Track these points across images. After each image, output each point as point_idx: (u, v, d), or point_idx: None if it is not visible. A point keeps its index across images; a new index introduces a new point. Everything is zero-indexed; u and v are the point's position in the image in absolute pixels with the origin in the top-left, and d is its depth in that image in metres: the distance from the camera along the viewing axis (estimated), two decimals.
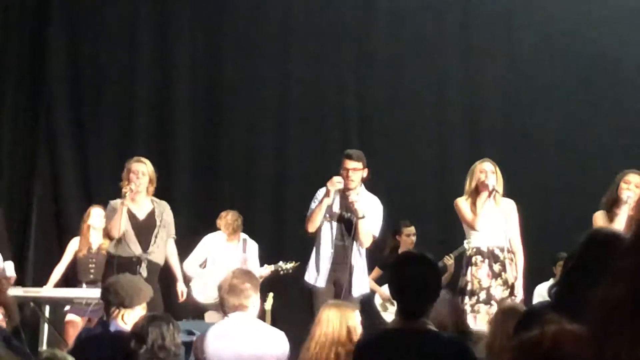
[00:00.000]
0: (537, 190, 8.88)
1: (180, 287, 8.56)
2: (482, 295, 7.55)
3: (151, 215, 7.96)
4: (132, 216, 7.89)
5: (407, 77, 10.98)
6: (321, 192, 7.87)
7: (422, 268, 4.26)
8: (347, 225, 7.79)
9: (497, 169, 7.81)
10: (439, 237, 10.02)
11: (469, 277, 7.69)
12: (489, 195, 7.67)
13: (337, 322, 5.55)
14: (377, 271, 9.80)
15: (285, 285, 9.26)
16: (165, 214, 8.02)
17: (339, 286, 7.77)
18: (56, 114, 11.34)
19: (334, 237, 7.80)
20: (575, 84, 10.54)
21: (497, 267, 7.66)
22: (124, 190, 7.78)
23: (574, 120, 10.40)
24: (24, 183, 11.20)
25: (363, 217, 7.71)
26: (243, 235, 9.58)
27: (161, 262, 8.00)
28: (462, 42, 11.02)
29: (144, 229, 7.88)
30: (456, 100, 10.94)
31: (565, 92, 10.55)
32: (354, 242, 7.77)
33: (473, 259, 7.72)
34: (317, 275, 7.83)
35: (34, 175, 11.24)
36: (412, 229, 9.87)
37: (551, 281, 9.14)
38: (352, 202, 7.71)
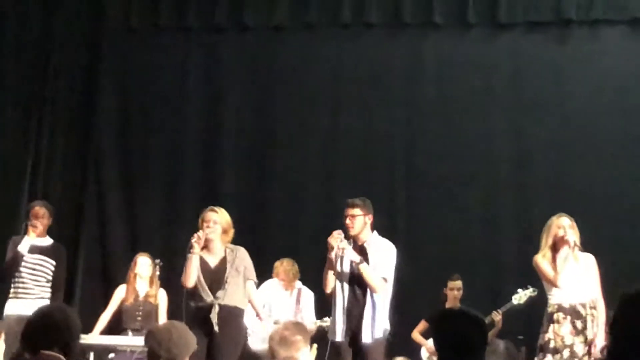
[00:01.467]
0: (585, 246, 8.74)
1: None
2: (566, 353, 7.44)
3: (222, 261, 8.00)
4: (204, 264, 7.94)
5: (456, 129, 10.95)
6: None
7: (465, 324, 4.21)
8: (357, 277, 7.78)
9: (574, 223, 7.73)
10: (486, 292, 9.92)
11: (551, 335, 7.58)
12: (572, 251, 7.58)
13: None
14: (423, 324, 9.75)
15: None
16: (238, 258, 8.03)
17: (354, 336, 7.74)
18: (105, 163, 11.44)
19: (346, 293, 7.80)
20: (626, 138, 10.45)
21: (579, 324, 7.55)
22: (192, 240, 7.82)
23: (625, 174, 10.30)
24: (71, 231, 11.27)
25: (361, 262, 7.68)
26: (298, 284, 9.58)
27: (240, 305, 7.99)
28: (512, 94, 10.97)
29: (215, 276, 7.91)
30: (505, 152, 10.89)
31: (616, 146, 10.45)
32: (367, 291, 7.74)
33: (555, 316, 7.60)
34: (334, 330, 7.84)
35: (82, 223, 11.33)
36: (458, 283, 9.79)
37: None
38: (341, 249, 7.70)
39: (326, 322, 9.07)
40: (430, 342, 9.62)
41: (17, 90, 11.44)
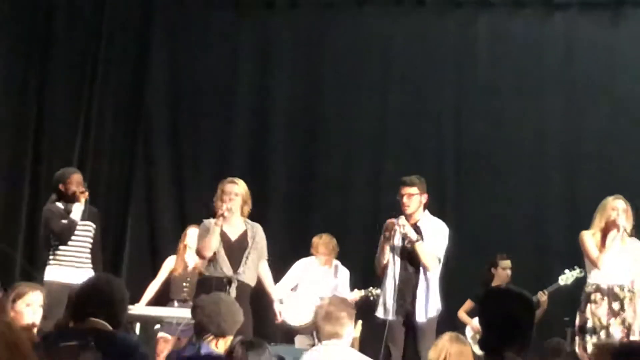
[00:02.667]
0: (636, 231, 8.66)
1: (277, 308, 8.53)
2: (602, 334, 7.42)
3: (243, 236, 7.94)
4: (224, 236, 7.87)
5: (506, 111, 10.90)
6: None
7: (512, 303, 4.19)
8: (409, 254, 7.76)
9: (629, 207, 7.67)
10: (533, 274, 9.87)
11: (588, 315, 7.56)
12: (620, 235, 7.53)
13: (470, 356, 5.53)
14: (469, 303, 9.73)
15: (374, 313, 9.21)
16: (257, 236, 7.99)
17: (408, 315, 7.76)
18: (154, 137, 11.52)
19: (397, 270, 7.78)
20: None
21: (616, 306, 7.52)
22: (219, 212, 7.78)
23: None
24: (120, 203, 11.37)
25: (418, 240, 7.68)
26: (335, 262, 9.58)
27: (252, 283, 7.98)
28: (564, 78, 10.88)
29: (236, 250, 7.85)
30: (556, 135, 10.82)
31: None
32: (420, 270, 7.73)
33: (592, 296, 7.58)
34: (384, 309, 7.83)
35: (130, 196, 11.42)
36: (508, 263, 9.75)
37: None
38: (401, 226, 7.67)
39: (370, 291, 9.07)
40: (475, 321, 9.60)
41: (68, 64, 11.52)
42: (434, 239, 7.79)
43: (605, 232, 7.64)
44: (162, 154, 11.47)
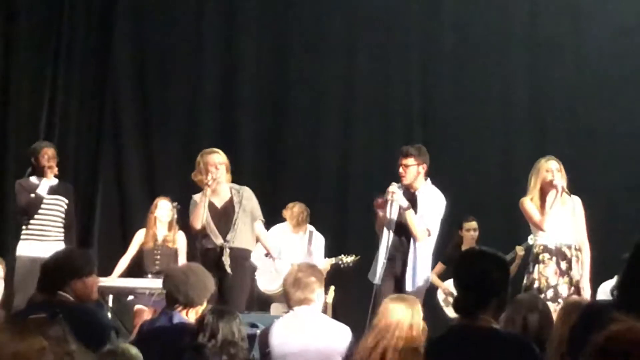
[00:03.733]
0: (603, 188, 8.76)
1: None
2: (549, 293, 7.45)
3: (229, 202, 7.98)
4: (212, 207, 7.93)
5: (472, 73, 10.93)
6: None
7: (486, 264, 4.21)
8: (402, 223, 7.80)
9: (562, 166, 7.71)
10: (503, 233, 9.94)
11: (535, 275, 7.60)
12: (559, 195, 7.57)
13: (401, 315, 5.55)
14: (439, 266, 9.78)
15: (347, 278, 9.27)
16: (244, 199, 8.01)
17: (397, 282, 7.80)
18: (121, 106, 11.45)
19: (391, 237, 7.82)
20: None
21: (564, 265, 7.56)
22: (205, 183, 7.81)
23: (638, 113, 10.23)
24: (88, 176, 11.32)
25: (408, 208, 7.71)
26: (310, 228, 9.61)
27: (249, 246, 8.02)
28: (529, 38, 10.92)
29: (223, 217, 7.91)
30: (521, 96, 10.86)
31: (632, 88, 10.38)
32: (410, 240, 7.78)
33: (540, 257, 7.62)
34: (375, 273, 7.88)
35: (98, 168, 11.36)
36: (473, 224, 9.80)
37: (614, 279, 9.03)
38: (391, 193, 7.71)
39: (340, 258, 9.12)
40: (445, 284, 9.66)
41: (31, 35, 11.41)
42: (427, 210, 7.82)
43: (543, 195, 7.68)
44: (129, 126, 11.41)
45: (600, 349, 2.40)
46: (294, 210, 9.59)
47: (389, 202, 7.78)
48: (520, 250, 9.16)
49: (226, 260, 7.73)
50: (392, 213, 7.81)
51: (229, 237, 7.85)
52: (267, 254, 9.26)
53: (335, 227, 10.42)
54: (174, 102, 11.45)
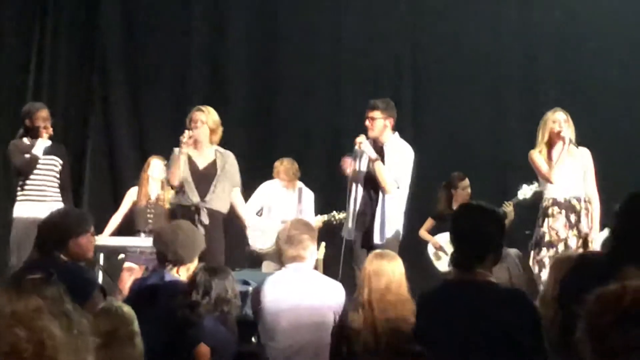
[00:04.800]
0: (594, 140, 8.72)
1: (249, 234, 8.63)
2: (560, 247, 7.49)
3: (212, 164, 7.94)
4: (193, 165, 7.91)
5: (461, 28, 10.87)
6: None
7: (482, 219, 4.24)
8: (371, 175, 7.83)
9: (569, 117, 7.71)
10: (493, 190, 9.96)
11: (545, 229, 7.62)
12: (567, 146, 7.58)
13: (389, 272, 5.58)
14: (430, 222, 9.81)
15: (337, 235, 9.28)
16: (228, 164, 7.99)
17: (366, 235, 7.86)
18: (110, 66, 11.41)
19: (360, 191, 7.85)
20: (635, 29, 10.32)
21: (573, 218, 7.58)
22: (180, 138, 7.80)
23: (636, 70, 10.20)
24: (78, 135, 11.29)
25: (377, 159, 7.74)
26: (299, 184, 9.61)
27: (223, 210, 8.00)
28: None
29: (204, 178, 7.87)
30: (511, 49, 10.83)
31: (627, 43, 10.33)
32: (379, 193, 7.81)
33: (549, 210, 7.64)
34: (347, 228, 7.93)
35: (88, 128, 11.34)
36: (466, 182, 9.81)
37: (606, 231, 9.08)
38: (359, 143, 7.74)
39: (333, 215, 9.13)
40: (436, 238, 9.69)
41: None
42: (395, 163, 7.83)
43: (550, 147, 7.69)
44: (118, 86, 11.37)
45: (623, 311, 2.35)
46: (284, 165, 9.58)
47: (357, 154, 7.79)
48: (508, 206, 9.17)
49: (204, 218, 7.71)
50: (360, 165, 7.84)
51: (207, 197, 7.83)
52: (259, 212, 9.29)
53: (327, 183, 10.41)
54: (163, 62, 11.40)
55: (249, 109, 11.22)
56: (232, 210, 8.12)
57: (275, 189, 9.59)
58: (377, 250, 6.11)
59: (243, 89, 11.25)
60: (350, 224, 7.89)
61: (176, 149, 7.95)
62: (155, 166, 9.27)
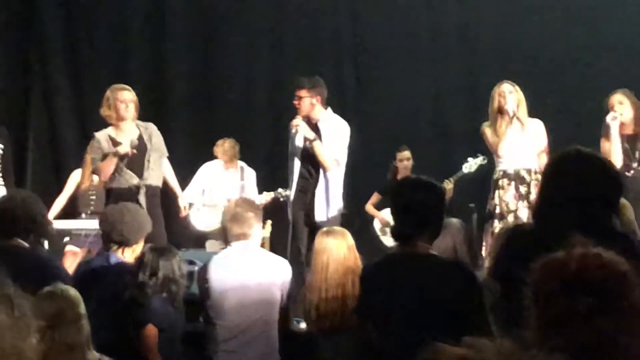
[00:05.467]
0: (535, 113, 8.77)
1: (182, 203, 8.55)
2: (510, 218, 7.54)
3: (140, 140, 7.83)
4: (117, 145, 7.77)
5: (401, 3, 10.87)
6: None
7: (422, 192, 4.25)
8: (310, 155, 7.84)
9: (517, 87, 7.74)
10: (436, 163, 10.00)
11: (497, 201, 7.67)
12: (512, 119, 7.62)
13: (344, 248, 5.62)
14: (376, 196, 9.84)
15: (283, 212, 9.28)
16: (153, 136, 7.89)
17: (308, 213, 7.89)
18: (49, 46, 11.25)
19: (297, 170, 7.90)
20: (574, 3, 10.38)
21: (523, 189, 7.63)
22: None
23: (575, 42, 10.27)
24: (19, 118, 11.13)
25: (315, 139, 7.75)
26: (240, 163, 9.59)
27: (159, 183, 7.94)
28: None
29: (135, 156, 7.75)
30: (451, 23, 10.85)
31: (564, 12, 10.39)
32: (320, 170, 7.83)
33: (500, 182, 7.69)
34: (289, 207, 7.96)
35: (29, 110, 11.19)
36: (406, 154, 9.83)
37: None
38: (295, 126, 7.79)
39: (279, 192, 9.13)
40: (382, 213, 9.72)
41: None
42: (332, 140, 7.84)
43: (500, 120, 7.74)
44: (58, 66, 11.22)
45: (568, 278, 2.37)
46: (225, 146, 9.56)
47: (294, 135, 7.88)
48: (448, 184, 9.20)
49: (142, 199, 7.64)
50: (296, 145, 7.90)
51: (145, 174, 7.77)
52: (202, 193, 9.26)
53: (269, 161, 10.40)
54: (103, 39, 11.27)
55: (190, 88, 11.14)
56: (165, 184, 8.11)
57: (217, 169, 9.57)
58: (325, 228, 6.13)
59: (184, 68, 11.16)
60: (291, 203, 7.92)
61: (98, 135, 7.84)
62: None
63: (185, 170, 9.22)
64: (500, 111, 7.71)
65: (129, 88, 7.91)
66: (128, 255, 5.84)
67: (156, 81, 10.44)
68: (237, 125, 10.53)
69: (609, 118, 7.59)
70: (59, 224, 8.79)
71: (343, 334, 5.41)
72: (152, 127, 7.95)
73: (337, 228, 6.00)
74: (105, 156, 7.75)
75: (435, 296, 4.07)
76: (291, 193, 7.97)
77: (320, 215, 7.78)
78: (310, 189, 7.86)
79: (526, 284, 2.41)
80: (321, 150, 7.76)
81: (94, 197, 9.13)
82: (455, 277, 4.13)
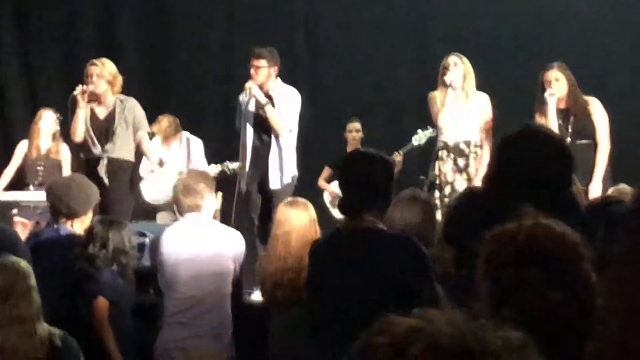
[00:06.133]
0: (490, 87, 8.81)
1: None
2: (447, 190, 7.59)
3: (112, 113, 7.94)
4: (94, 117, 7.94)
5: None
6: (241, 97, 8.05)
7: (370, 164, 4.25)
8: (262, 121, 7.85)
9: (464, 60, 7.74)
10: (387, 135, 10.03)
11: (436, 171, 7.71)
12: (452, 91, 7.64)
13: (306, 219, 5.63)
14: (327, 170, 9.83)
15: (234, 184, 9.27)
16: (127, 109, 7.96)
17: (262, 181, 7.91)
18: None
19: (250, 137, 7.91)
20: None
21: (461, 162, 7.67)
22: (74, 94, 7.74)
23: (528, 13, 10.31)
24: None
25: (267, 104, 7.78)
26: (186, 134, 9.53)
27: (128, 157, 7.98)
28: None
29: (104, 128, 7.89)
30: None
31: None
32: (272, 137, 7.85)
33: (440, 153, 7.72)
34: (242, 178, 7.97)
35: None
36: (356, 125, 9.83)
37: None
38: (249, 89, 7.80)
39: (226, 165, 9.11)
40: (332, 187, 9.74)
41: None
42: (284, 107, 7.86)
43: (443, 91, 7.77)
44: (4, 39, 11.09)
45: (518, 249, 2.39)
46: (162, 124, 9.47)
47: (245, 99, 7.91)
48: (397, 156, 9.21)
49: (102, 170, 7.69)
50: (249, 110, 7.92)
51: (107, 147, 7.81)
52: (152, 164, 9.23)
53: (220, 133, 10.37)
54: (52, 13, 11.14)
55: (142, 61, 11.06)
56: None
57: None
58: (289, 199, 6.14)
59: (134, 42, 11.09)
60: (245, 171, 7.93)
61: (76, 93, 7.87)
62: (46, 118, 9.11)
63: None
64: (444, 82, 7.74)
65: (99, 62, 7.97)
66: (77, 227, 5.82)
67: (105, 53, 10.30)
68: (190, 99, 10.50)
69: (546, 94, 7.63)
70: (7, 196, 8.72)
71: (295, 307, 5.43)
72: (129, 101, 8.06)
73: (301, 200, 6.00)
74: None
75: (382, 270, 4.06)
76: (246, 163, 7.95)
77: (274, 183, 7.80)
78: (263, 158, 7.87)
79: (477, 255, 2.43)
80: (273, 114, 7.78)
81: (41, 169, 9.05)
82: (403, 250, 4.11)
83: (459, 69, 7.70)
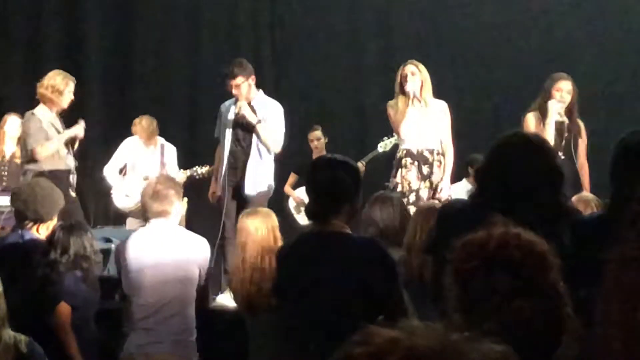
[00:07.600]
0: (452, 91, 8.85)
1: None
2: (412, 197, 7.59)
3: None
4: (59, 131, 7.97)
5: None
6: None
7: (336, 170, 4.25)
8: (244, 129, 7.85)
9: (421, 68, 7.74)
10: (353, 140, 10.06)
11: (399, 179, 7.71)
12: (411, 100, 7.64)
13: (263, 229, 5.68)
14: (293, 177, 9.85)
15: (200, 190, 9.26)
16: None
17: (237, 189, 7.91)
18: None
19: (228, 144, 7.89)
20: None
21: (425, 170, 7.68)
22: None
23: (485, 17, 10.37)
24: None
25: (259, 122, 7.79)
26: (160, 140, 9.52)
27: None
28: None
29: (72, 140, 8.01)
30: (368, 2, 10.88)
31: None
32: (252, 144, 7.86)
33: (403, 161, 7.71)
34: (218, 182, 7.95)
35: None
36: (316, 134, 9.86)
37: (464, 181, 9.26)
38: (241, 115, 7.79)
39: (195, 170, 9.11)
40: (296, 193, 9.75)
41: None
42: (274, 125, 7.88)
43: (401, 99, 7.78)
44: None
45: (487, 257, 2.40)
46: (143, 124, 9.46)
47: (222, 112, 7.99)
48: (360, 167, 9.22)
49: (73, 181, 7.73)
50: (227, 118, 7.92)
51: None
52: (122, 169, 9.22)
53: (187, 140, 10.37)
54: (15, 15, 11.08)
55: (107, 67, 11.02)
56: None
57: (138, 145, 9.50)
58: (249, 209, 6.20)
59: (99, 47, 11.04)
60: (221, 177, 7.92)
61: (36, 112, 7.85)
62: (12, 123, 9.07)
63: (103, 149, 9.15)
64: (403, 91, 7.73)
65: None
66: (43, 231, 5.80)
67: (70, 60, 10.27)
68: (156, 103, 10.47)
69: (552, 102, 7.65)
70: None
71: (263, 313, 5.45)
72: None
73: (262, 209, 6.04)
74: (73, 140, 8.01)
75: (350, 274, 4.07)
76: (223, 168, 7.93)
77: (249, 189, 7.80)
78: (241, 165, 7.86)
79: (448, 263, 2.44)
80: (264, 133, 7.81)
81: (5, 174, 9.00)
82: (369, 254, 4.13)
83: (417, 78, 7.70)
